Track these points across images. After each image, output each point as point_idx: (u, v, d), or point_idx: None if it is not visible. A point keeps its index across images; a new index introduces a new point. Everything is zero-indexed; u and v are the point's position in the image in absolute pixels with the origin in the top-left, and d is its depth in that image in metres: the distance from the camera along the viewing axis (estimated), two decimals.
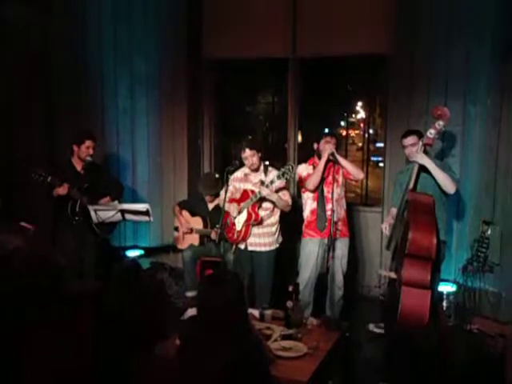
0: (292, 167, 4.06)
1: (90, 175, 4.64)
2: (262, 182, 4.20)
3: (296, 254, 5.09)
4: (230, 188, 4.45)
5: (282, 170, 4.10)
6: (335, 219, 4.22)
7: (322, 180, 4.29)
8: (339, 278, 4.38)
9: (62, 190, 4.43)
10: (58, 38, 5.67)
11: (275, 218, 4.39)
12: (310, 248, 4.37)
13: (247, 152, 4.25)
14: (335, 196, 4.22)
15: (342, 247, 4.36)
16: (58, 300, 2.10)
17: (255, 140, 4.44)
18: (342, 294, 4.41)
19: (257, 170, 4.34)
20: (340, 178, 4.34)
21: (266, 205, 4.32)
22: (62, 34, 5.67)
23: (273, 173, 4.27)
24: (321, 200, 4.31)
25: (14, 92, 5.29)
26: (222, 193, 4.45)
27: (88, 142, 4.57)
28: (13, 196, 5.15)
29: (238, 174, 4.47)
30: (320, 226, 4.30)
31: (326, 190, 4.30)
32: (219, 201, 4.59)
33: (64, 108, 5.73)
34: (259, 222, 4.32)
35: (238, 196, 4.38)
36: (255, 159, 4.27)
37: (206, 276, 2.91)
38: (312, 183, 4.28)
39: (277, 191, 4.26)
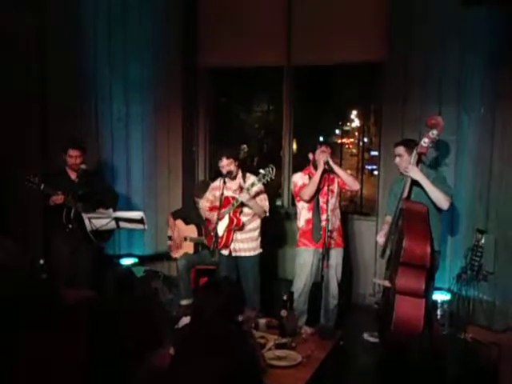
0: (272, 169, 4.12)
1: (84, 183, 4.63)
2: (242, 188, 4.27)
3: (288, 262, 5.12)
4: (210, 198, 4.54)
5: (263, 172, 4.16)
6: (330, 229, 4.21)
7: (318, 190, 4.28)
8: (333, 287, 4.38)
9: (59, 200, 4.42)
10: (52, 45, 5.66)
11: (257, 222, 4.44)
12: (305, 257, 4.37)
13: (224, 161, 4.34)
14: (330, 206, 4.21)
15: (336, 256, 4.36)
16: (53, 308, 2.09)
17: (232, 148, 4.54)
18: (336, 303, 4.40)
19: (234, 177, 4.40)
20: (335, 189, 4.35)
21: (246, 210, 4.37)
22: (56, 41, 5.66)
23: (251, 178, 4.32)
24: (316, 210, 4.30)
25: (8, 99, 5.28)
26: (203, 201, 4.56)
27: (70, 151, 4.56)
28: (5, 204, 5.14)
29: (217, 182, 4.54)
30: (315, 236, 4.29)
31: (321, 200, 4.29)
32: (201, 209, 4.63)
33: (58, 114, 5.71)
34: (241, 228, 4.36)
35: (217, 203, 4.38)
36: (232, 167, 4.35)
37: (202, 284, 2.90)
38: (307, 194, 4.28)
39: (255, 196, 4.31)
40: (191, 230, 5.11)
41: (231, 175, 4.39)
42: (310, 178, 4.34)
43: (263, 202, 4.38)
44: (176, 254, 5.13)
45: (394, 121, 4.98)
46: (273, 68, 5.76)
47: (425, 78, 4.79)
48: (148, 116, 5.90)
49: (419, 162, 3.93)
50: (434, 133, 3.81)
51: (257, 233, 4.46)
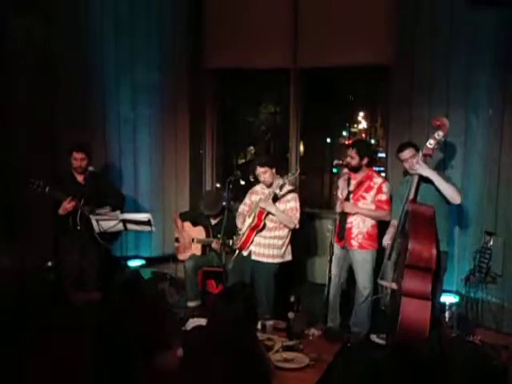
0: (296, 169, 4.22)
1: (91, 185, 4.65)
2: (275, 195, 4.27)
3: (302, 265, 5.17)
4: (248, 202, 4.55)
5: (281, 180, 4.21)
6: (356, 233, 4.27)
7: (349, 193, 4.30)
8: (361, 279, 4.32)
9: (70, 207, 4.43)
10: (59, 47, 5.69)
11: (283, 231, 4.39)
12: (335, 251, 4.32)
13: (258, 169, 4.34)
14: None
15: (361, 256, 4.32)
16: (60, 310, 2.09)
17: (267, 157, 4.53)
18: (367, 293, 4.32)
19: (270, 185, 4.36)
20: (369, 197, 4.29)
21: (273, 216, 4.35)
22: (63, 43, 5.68)
23: (286, 187, 4.34)
24: (343, 213, 4.30)
25: (16, 102, 5.31)
26: (242, 206, 4.61)
27: (75, 154, 4.58)
28: (15, 206, 5.16)
29: (257, 187, 4.55)
30: (340, 235, 4.31)
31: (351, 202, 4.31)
32: (238, 215, 4.63)
33: (66, 117, 5.74)
34: (260, 229, 4.34)
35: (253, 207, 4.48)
36: (267, 176, 4.32)
37: (220, 291, 2.90)
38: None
39: (284, 204, 4.31)
40: (199, 232, 5.11)
41: (235, 178, 4.51)
42: (349, 179, 4.33)
43: (293, 212, 4.33)
44: (183, 256, 5.14)
45: (402, 123, 4.96)
46: (279, 70, 5.75)
47: (432, 80, 4.77)
48: (155, 118, 5.91)
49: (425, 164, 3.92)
50: (439, 134, 3.79)
51: (281, 242, 4.40)
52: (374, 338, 4.42)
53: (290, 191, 4.40)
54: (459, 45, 4.62)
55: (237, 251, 4.52)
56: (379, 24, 5.14)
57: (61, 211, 4.45)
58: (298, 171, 4.24)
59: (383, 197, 4.27)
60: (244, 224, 4.45)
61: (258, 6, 5.63)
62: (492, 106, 4.54)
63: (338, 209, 4.36)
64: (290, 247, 4.49)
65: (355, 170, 4.32)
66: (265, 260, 4.39)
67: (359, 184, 4.31)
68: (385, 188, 4.28)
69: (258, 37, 5.61)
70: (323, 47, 5.36)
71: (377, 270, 4.29)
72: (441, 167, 4.65)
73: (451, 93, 4.71)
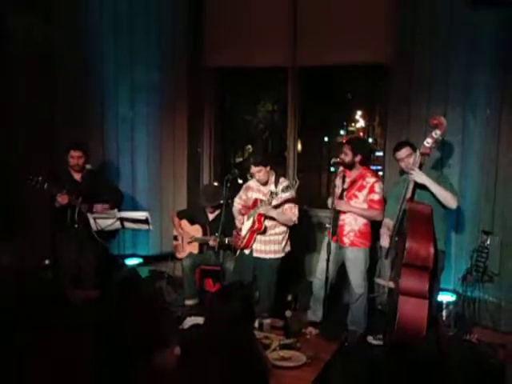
0: (296, 181, 4.10)
1: (88, 183, 4.65)
2: (271, 193, 4.26)
3: (300, 263, 5.15)
4: (243, 197, 4.56)
5: (285, 184, 4.17)
6: (347, 230, 4.29)
7: (343, 190, 4.30)
8: (354, 277, 4.33)
9: (63, 200, 4.45)
10: (59, 47, 5.69)
11: (282, 227, 4.43)
12: (326, 245, 4.30)
13: (253, 169, 4.35)
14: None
15: (353, 254, 4.34)
16: (58, 308, 2.09)
17: (261, 155, 4.55)
18: (361, 291, 4.32)
19: (266, 183, 4.40)
20: (361, 196, 4.31)
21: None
22: (63, 42, 5.69)
23: (283, 184, 4.32)
24: (337, 210, 4.30)
25: (16, 102, 5.31)
26: (237, 200, 4.65)
27: (72, 152, 4.60)
28: (13, 205, 5.16)
29: (252, 183, 4.56)
30: (333, 232, 4.32)
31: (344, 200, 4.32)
32: (234, 209, 4.67)
33: (65, 117, 5.73)
34: (262, 232, 4.36)
35: (249, 204, 4.48)
36: (261, 175, 4.34)
37: (217, 290, 2.90)
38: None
39: (281, 205, 4.31)
40: (196, 230, 5.11)
41: (233, 176, 4.54)
42: (344, 176, 4.33)
43: (292, 210, 4.35)
44: (182, 255, 5.14)
45: (400, 122, 4.96)
46: (278, 68, 5.75)
47: (431, 79, 4.77)
48: (153, 117, 5.90)
49: (421, 164, 3.92)
50: (436, 133, 3.79)
51: (281, 237, 4.44)
52: (370, 339, 4.39)
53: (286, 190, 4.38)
54: (459, 45, 4.61)
55: (238, 251, 4.54)
56: (379, 24, 5.12)
57: (57, 204, 4.47)
58: (298, 184, 4.10)
59: (375, 196, 4.27)
60: (244, 226, 4.45)
61: (257, 4, 5.62)
62: (490, 106, 4.54)
63: (332, 205, 4.38)
64: (289, 240, 4.52)
65: (349, 167, 4.32)
66: (266, 256, 4.42)
67: (352, 182, 4.31)
68: (377, 188, 4.28)
69: (257, 35, 5.59)
70: (323, 46, 5.34)
71: (372, 269, 4.31)
72: (439, 166, 4.66)
73: (450, 92, 4.70)
